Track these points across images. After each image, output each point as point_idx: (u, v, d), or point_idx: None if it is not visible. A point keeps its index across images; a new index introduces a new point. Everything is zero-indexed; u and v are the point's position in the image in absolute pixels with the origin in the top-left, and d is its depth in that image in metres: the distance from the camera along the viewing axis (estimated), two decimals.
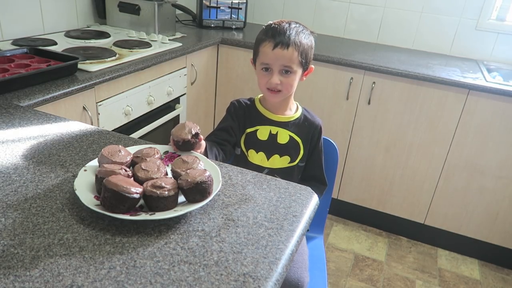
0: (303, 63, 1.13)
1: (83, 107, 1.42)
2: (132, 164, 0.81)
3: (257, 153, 1.21)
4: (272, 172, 1.22)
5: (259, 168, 1.21)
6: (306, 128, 1.22)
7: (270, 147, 1.20)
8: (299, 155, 1.22)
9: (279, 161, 1.21)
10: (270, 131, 1.20)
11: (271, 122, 1.20)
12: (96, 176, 0.73)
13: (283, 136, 1.20)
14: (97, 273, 0.58)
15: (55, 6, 1.92)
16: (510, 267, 2.19)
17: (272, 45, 1.09)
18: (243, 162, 1.22)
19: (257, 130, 1.20)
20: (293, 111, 1.23)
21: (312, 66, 1.19)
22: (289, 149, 1.21)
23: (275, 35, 1.10)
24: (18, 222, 0.67)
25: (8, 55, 1.43)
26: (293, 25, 1.12)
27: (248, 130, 1.20)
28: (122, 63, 1.61)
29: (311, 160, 1.26)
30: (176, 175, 0.77)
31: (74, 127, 1.03)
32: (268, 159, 1.21)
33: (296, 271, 1.09)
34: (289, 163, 1.22)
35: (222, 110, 2.54)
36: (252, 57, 1.20)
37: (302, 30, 1.13)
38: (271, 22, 1.15)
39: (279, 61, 1.10)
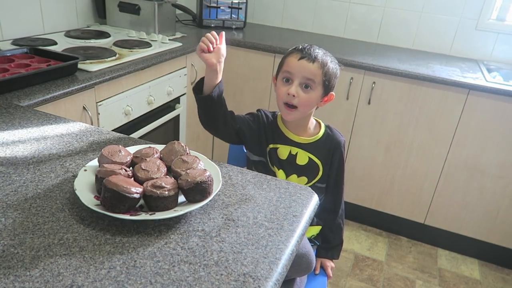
0: (325, 85, 1.12)
1: (83, 107, 1.42)
2: (132, 164, 0.81)
3: (278, 170, 1.20)
4: None
5: None
6: (327, 147, 1.20)
7: (289, 166, 1.19)
8: (317, 176, 1.21)
9: (297, 181, 1.20)
10: (290, 151, 1.18)
11: (292, 142, 1.18)
12: (96, 176, 0.73)
13: (303, 158, 1.19)
14: (97, 273, 0.58)
15: (55, 6, 1.92)
16: (510, 267, 2.19)
17: (299, 56, 1.10)
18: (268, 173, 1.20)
19: (277, 148, 1.19)
20: (314, 130, 1.21)
21: (333, 93, 1.16)
22: (307, 171, 1.20)
23: (304, 50, 1.11)
24: (18, 222, 0.67)
25: (8, 55, 1.43)
26: (322, 50, 1.14)
27: (271, 146, 1.19)
28: (122, 63, 1.61)
29: (328, 185, 1.23)
30: (176, 175, 0.77)
31: (74, 127, 1.03)
32: (286, 178, 1.20)
33: (303, 242, 1.09)
34: (306, 183, 1.21)
35: None
36: (275, 74, 1.18)
37: (331, 56, 1.14)
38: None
39: (302, 72, 1.09)
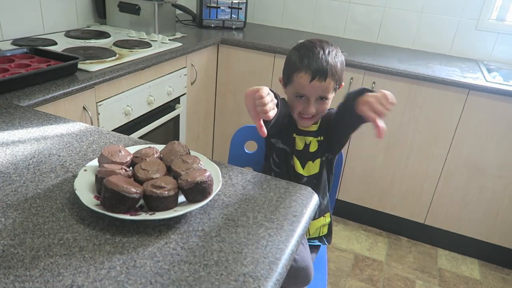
0: (337, 88, 1.15)
1: (83, 107, 1.42)
2: (132, 164, 0.81)
3: (297, 160, 1.21)
4: (311, 178, 1.21)
5: (298, 175, 1.21)
6: (325, 122, 1.21)
7: (304, 156, 1.21)
8: (326, 151, 1.23)
9: (313, 166, 1.21)
10: (305, 141, 1.20)
11: (305, 132, 1.20)
12: (96, 176, 0.73)
13: (314, 144, 1.20)
14: (97, 273, 0.58)
15: (55, 6, 1.92)
16: (510, 267, 2.19)
17: (309, 77, 1.07)
18: (287, 163, 1.21)
19: (294, 138, 1.20)
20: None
21: (343, 83, 1.18)
22: (318, 153, 1.21)
23: (312, 63, 1.07)
24: (18, 222, 0.67)
25: (8, 55, 1.43)
26: (326, 49, 1.09)
27: (294, 135, 1.21)
28: (122, 63, 1.61)
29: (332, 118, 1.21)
30: (176, 175, 0.77)
31: (74, 127, 1.03)
32: (303, 168, 1.21)
33: (304, 256, 1.09)
34: (320, 162, 1.22)
35: (222, 110, 2.54)
36: (282, 77, 1.18)
37: (336, 53, 1.12)
38: (302, 42, 1.14)
39: (316, 92, 1.10)
